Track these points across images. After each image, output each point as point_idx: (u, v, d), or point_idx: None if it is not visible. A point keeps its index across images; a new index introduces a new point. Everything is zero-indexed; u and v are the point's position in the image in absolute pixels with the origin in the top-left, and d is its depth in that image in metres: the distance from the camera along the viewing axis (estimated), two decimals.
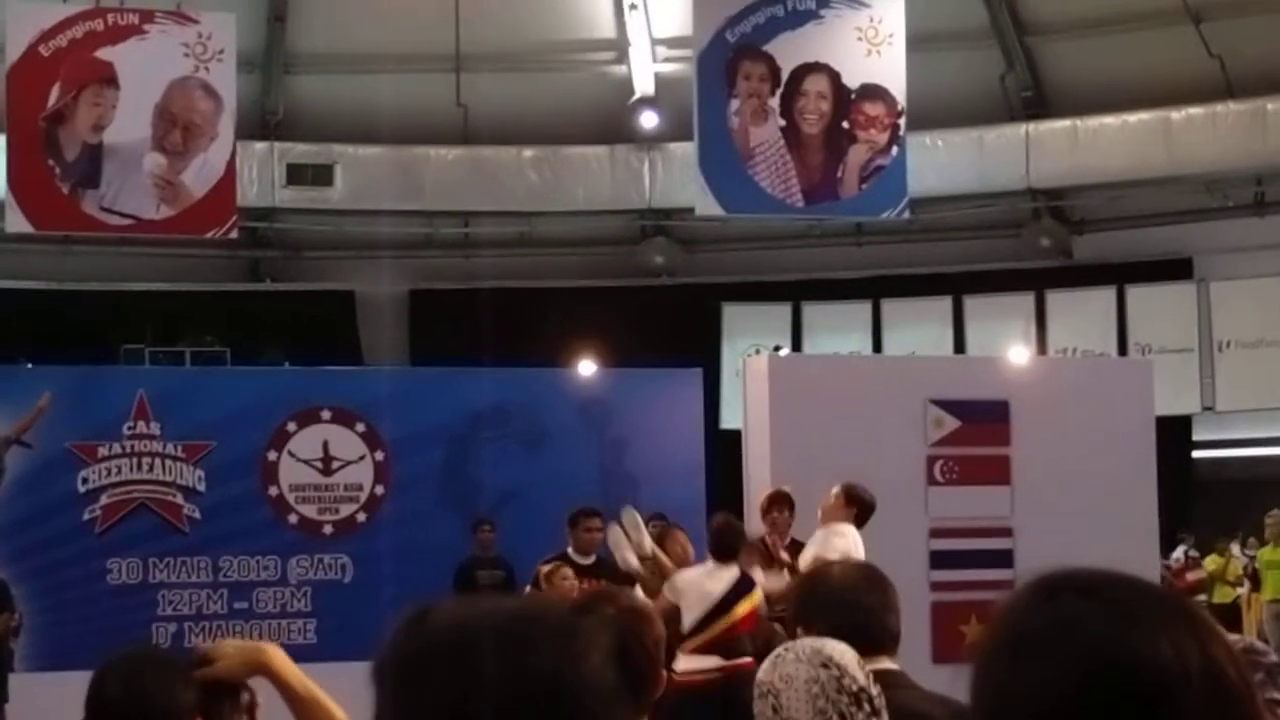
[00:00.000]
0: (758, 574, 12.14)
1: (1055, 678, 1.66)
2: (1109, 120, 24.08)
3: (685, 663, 11.39)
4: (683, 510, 14.37)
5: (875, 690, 3.42)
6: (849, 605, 4.27)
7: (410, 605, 1.83)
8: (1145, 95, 23.78)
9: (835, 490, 12.20)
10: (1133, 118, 23.92)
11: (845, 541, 11.65)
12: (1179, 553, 22.43)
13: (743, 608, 11.65)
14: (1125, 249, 24.86)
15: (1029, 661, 1.69)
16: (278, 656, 3.47)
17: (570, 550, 12.93)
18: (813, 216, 23.65)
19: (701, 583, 11.70)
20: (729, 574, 11.77)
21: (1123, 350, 23.95)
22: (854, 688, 3.37)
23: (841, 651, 3.44)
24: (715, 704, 10.73)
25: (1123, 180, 24.30)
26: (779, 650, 3.59)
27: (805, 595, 4.65)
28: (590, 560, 12.85)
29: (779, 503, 12.87)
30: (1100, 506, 15.75)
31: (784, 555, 12.51)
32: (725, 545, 11.90)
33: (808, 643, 3.62)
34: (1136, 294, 24.56)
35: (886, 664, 4.25)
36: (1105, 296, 24.68)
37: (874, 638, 4.26)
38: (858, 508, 12.11)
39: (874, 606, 4.32)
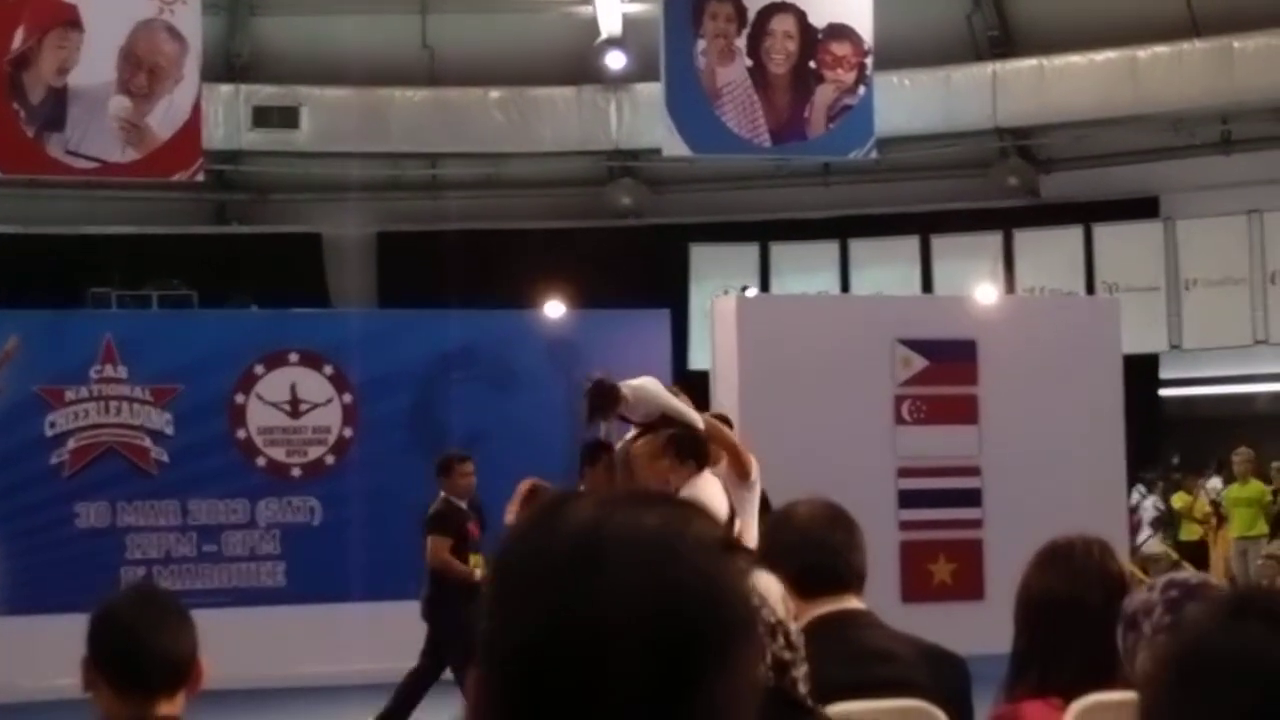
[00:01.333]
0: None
1: (1225, 706, 1.61)
2: (1075, 59, 24.06)
3: None
4: None
5: (794, 626, 3.41)
6: (813, 544, 4.27)
7: (545, 500, 1.70)
8: (1111, 34, 23.75)
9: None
10: (1099, 56, 23.90)
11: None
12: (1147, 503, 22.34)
13: None
14: (1092, 188, 24.86)
15: (1200, 688, 1.64)
16: None
17: (444, 496, 13.00)
18: (780, 156, 23.63)
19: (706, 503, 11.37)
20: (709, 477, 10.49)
21: (1090, 289, 23.98)
22: (771, 619, 3.36)
23: (767, 583, 3.43)
24: None
25: (1089, 119, 24.29)
26: None
27: (770, 535, 4.66)
28: (463, 505, 12.98)
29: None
30: (1068, 445, 15.83)
31: None
32: (699, 450, 9.84)
33: None
34: (1103, 233, 24.57)
35: (853, 603, 4.26)
36: (1072, 235, 24.70)
37: (839, 576, 4.27)
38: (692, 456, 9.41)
39: (839, 545, 4.31)
